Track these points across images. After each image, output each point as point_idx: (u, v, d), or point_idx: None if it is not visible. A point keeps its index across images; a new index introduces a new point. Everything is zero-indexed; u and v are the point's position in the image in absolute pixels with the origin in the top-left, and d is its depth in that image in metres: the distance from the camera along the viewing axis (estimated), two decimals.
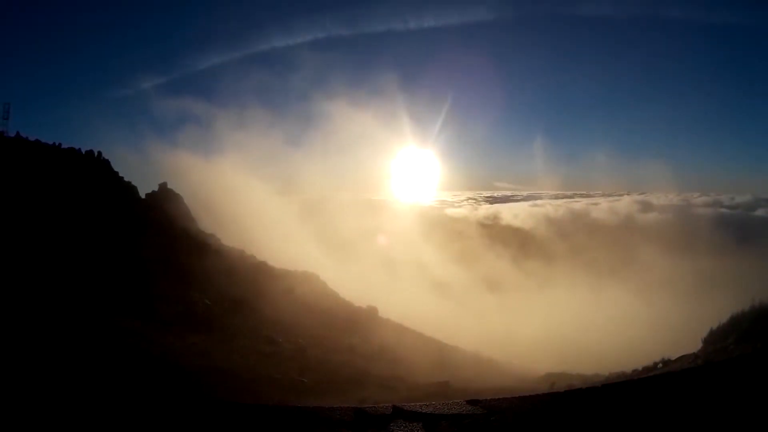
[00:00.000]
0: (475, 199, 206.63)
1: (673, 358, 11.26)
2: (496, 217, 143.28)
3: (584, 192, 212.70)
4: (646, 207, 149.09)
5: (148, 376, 9.02)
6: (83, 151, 32.20)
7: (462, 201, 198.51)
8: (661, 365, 11.15)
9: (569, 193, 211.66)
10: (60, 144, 31.71)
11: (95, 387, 7.32)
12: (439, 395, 12.41)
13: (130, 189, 32.20)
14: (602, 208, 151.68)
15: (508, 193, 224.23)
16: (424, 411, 3.92)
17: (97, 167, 31.57)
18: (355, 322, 25.93)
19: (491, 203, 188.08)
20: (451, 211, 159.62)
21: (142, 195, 33.53)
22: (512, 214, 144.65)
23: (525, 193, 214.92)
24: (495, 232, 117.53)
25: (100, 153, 32.57)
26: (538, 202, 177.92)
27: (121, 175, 32.58)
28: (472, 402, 4.14)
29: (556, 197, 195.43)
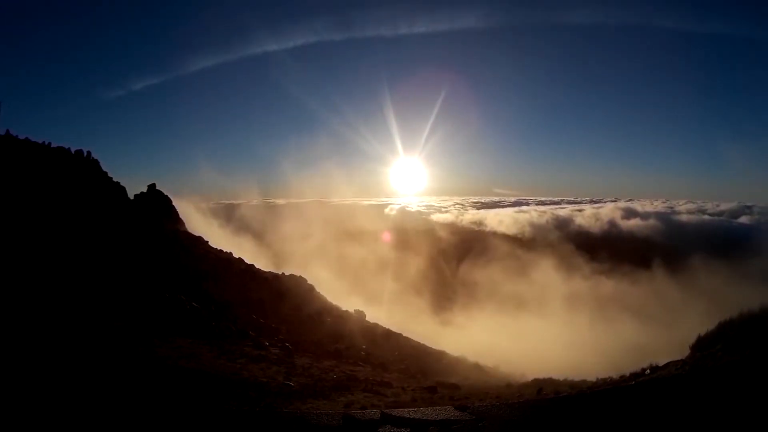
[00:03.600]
0: (462, 204, 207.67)
1: (661, 365, 11.28)
2: (480, 223, 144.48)
3: (572, 198, 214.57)
4: (629, 213, 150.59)
5: (133, 379, 8.93)
6: (72, 150, 32.02)
7: (449, 206, 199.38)
8: (648, 371, 11.15)
9: (557, 199, 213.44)
10: (50, 143, 31.56)
11: (79, 389, 7.24)
12: (426, 400, 12.40)
13: (119, 190, 32.00)
14: (585, 214, 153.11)
15: (496, 198, 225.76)
16: (412, 417, 3.92)
17: (87, 167, 31.37)
18: (342, 325, 25.88)
19: (478, 209, 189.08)
20: (436, 217, 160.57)
21: (131, 196, 33.36)
22: (497, 219, 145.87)
23: (512, 199, 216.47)
24: (476, 238, 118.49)
25: (89, 153, 32.43)
26: (524, 208, 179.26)
27: (110, 175, 32.40)
28: (461, 408, 4.14)
29: (543, 203, 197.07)
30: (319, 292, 31.15)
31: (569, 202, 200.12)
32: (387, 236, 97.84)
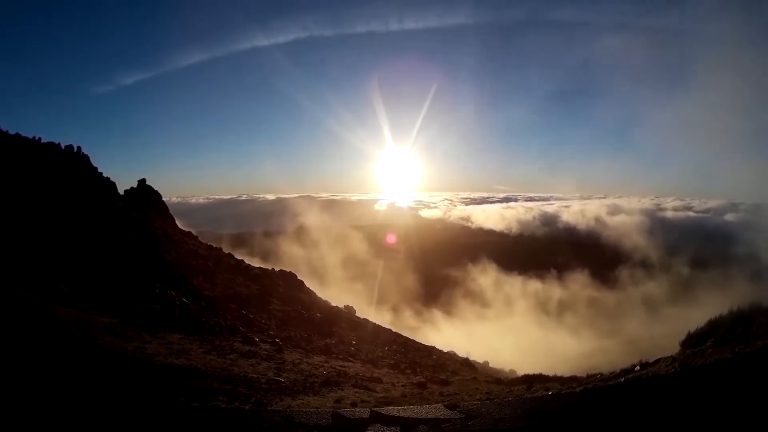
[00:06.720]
0: (451, 200, 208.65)
1: (651, 361, 11.33)
2: (468, 219, 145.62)
3: (561, 195, 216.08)
4: (615, 210, 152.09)
5: (122, 376, 8.87)
6: (63, 146, 31.80)
7: (438, 202, 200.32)
8: (638, 368, 11.21)
9: (546, 195, 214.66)
10: (40, 138, 31.31)
11: (65, 387, 7.18)
12: (416, 396, 12.41)
13: (108, 185, 31.79)
14: (572, 210, 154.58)
15: (485, 194, 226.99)
16: (401, 415, 3.89)
17: (77, 162, 31.17)
18: (332, 321, 25.86)
19: (467, 204, 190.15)
20: (425, 212, 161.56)
21: (121, 191, 33.17)
22: (484, 215, 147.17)
23: (501, 195, 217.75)
24: (462, 234, 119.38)
25: (79, 148, 32.22)
26: (512, 204, 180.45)
27: (100, 171, 32.21)
28: (451, 406, 4.12)
29: (532, 199, 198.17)
30: (308, 288, 31.16)
31: (558, 199, 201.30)
32: (375, 232, 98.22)
